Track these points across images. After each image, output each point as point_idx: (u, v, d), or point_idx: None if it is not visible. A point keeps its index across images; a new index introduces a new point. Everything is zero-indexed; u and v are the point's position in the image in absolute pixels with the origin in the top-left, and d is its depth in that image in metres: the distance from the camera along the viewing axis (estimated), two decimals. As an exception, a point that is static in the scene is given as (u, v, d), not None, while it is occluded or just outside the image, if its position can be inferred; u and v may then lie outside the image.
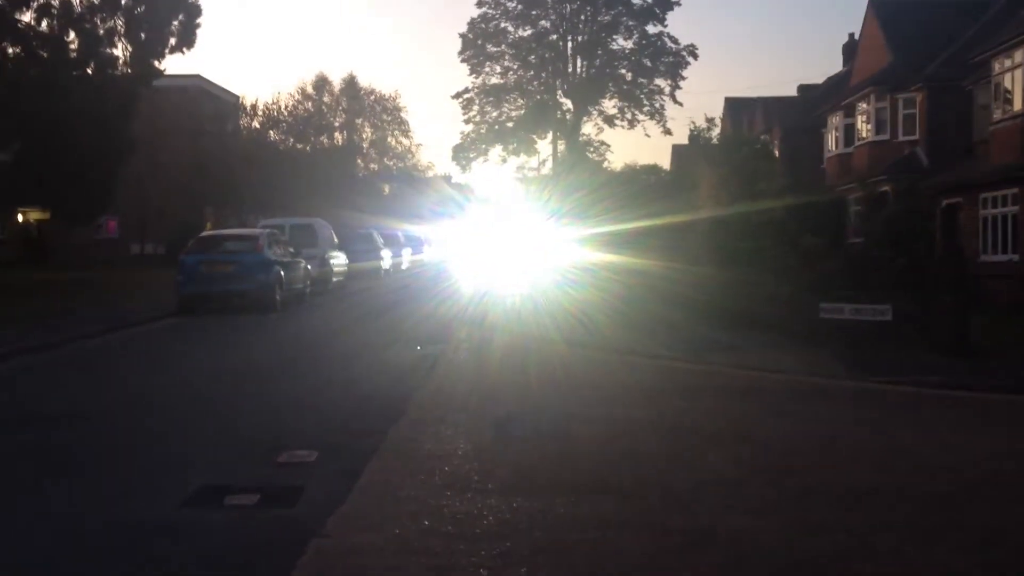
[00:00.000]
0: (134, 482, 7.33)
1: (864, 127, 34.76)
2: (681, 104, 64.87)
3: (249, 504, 6.61)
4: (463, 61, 61.82)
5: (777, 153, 41.19)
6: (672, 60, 60.30)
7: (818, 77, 50.73)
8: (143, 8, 30.65)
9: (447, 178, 78.67)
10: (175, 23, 31.81)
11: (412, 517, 6.28)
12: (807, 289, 18.07)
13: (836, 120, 37.70)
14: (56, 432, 9.08)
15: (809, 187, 35.06)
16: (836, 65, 48.74)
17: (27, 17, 28.50)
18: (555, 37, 61.54)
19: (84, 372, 13.75)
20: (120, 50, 31.06)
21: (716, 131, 39.46)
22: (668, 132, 62.64)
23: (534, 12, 60.85)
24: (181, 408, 10.45)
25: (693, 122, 55.96)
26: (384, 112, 76.63)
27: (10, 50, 28.20)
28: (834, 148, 38.09)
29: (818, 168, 39.47)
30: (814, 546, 5.84)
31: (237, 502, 6.64)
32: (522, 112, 62.01)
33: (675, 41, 60.19)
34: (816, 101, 43.77)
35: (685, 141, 48.56)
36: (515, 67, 62.01)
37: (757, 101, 49.14)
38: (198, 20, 32.12)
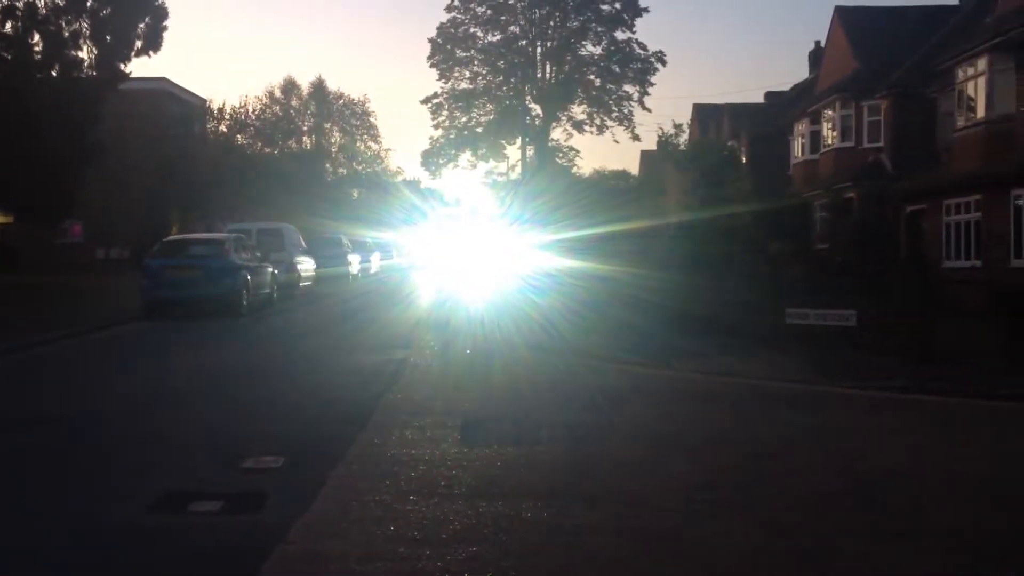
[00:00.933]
0: (95, 488, 7.23)
1: (830, 134, 35.09)
2: (649, 110, 65.42)
3: (213, 510, 6.54)
4: (432, 66, 61.84)
5: (744, 159, 41.52)
6: (640, 66, 60.61)
7: (785, 84, 51.29)
8: (109, 10, 30.36)
9: (415, 183, 78.51)
10: (141, 26, 31.55)
11: (378, 522, 6.25)
12: (773, 295, 18.19)
13: (802, 127, 38.03)
14: (15, 438, 8.95)
15: (776, 193, 35.34)
16: (803, 72, 49.16)
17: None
18: (524, 43, 61.68)
19: (45, 377, 13.58)
20: (85, 52, 30.77)
21: (684, 137, 39.73)
22: (637, 138, 63.08)
23: (503, 17, 60.96)
24: (144, 413, 10.33)
25: (661, 128, 56.12)
26: (353, 116, 76.40)
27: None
28: (800, 155, 38.42)
29: (785, 174, 39.79)
30: (780, 549, 5.86)
31: (201, 508, 6.57)
32: (491, 117, 62.08)
33: (643, 47, 60.55)
34: (783, 108, 44.16)
35: (654, 147, 48.85)
36: (484, 72, 62.06)
37: (724, 107, 49.50)
38: (165, 23, 31.88)
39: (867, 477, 7.68)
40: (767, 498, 7.00)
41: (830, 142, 34.99)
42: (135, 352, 16.58)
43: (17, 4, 28.58)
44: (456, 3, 60.53)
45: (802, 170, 37.94)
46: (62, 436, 9.09)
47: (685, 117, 59.24)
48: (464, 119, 62.52)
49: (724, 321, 17.06)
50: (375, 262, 45.96)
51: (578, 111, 62.02)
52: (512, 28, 61.38)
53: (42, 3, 29.41)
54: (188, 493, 6.89)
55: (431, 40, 61.41)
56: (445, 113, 62.44)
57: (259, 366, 14.21)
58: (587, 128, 61.84)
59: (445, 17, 61.09)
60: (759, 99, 51.52)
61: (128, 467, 7.84)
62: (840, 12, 36.67)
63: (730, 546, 5.91)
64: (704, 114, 52.74)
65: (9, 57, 28.25)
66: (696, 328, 16.91)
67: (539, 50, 61.71)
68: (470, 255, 39.30)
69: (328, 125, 75.26)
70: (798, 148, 38.90)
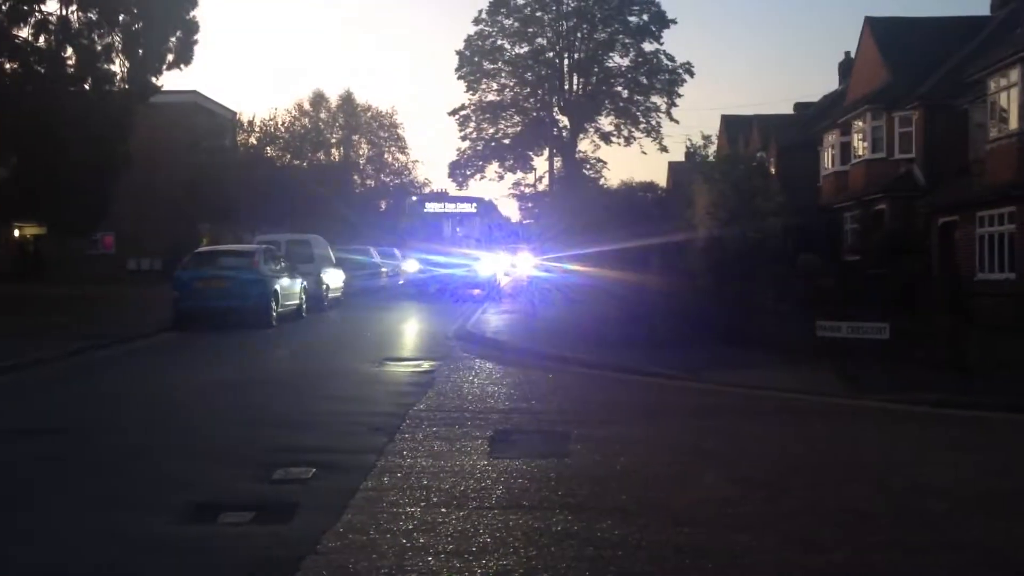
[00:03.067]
0: (128, 499, 7.28)
1: (860, 145, 34.86)
2: (677, 121, 65.40)
3: (243, 521, 6.56)
4: (460, 78, 62.10)
5: (773, 170, 41.31)
6: (668, 78, 60.64)
7: (814, 95, 50.91)
8: (141, 24, 30.64)
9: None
10: (173, 39, 31.80)
11: (407, 534, 6.25)
12: (803, 306, 18.05)
13: (832, 138, 37.81)
14: (46, 448, 9.02)
15: (806, 205, 35.13)
16: (832, 83, 48.90)
17: (25, 33, 28.52)
18: (551, 55, 61.83)
19: (75, 387, 13.69)
20: (117, 66, 31.06)
21: (712, 148, 39.60)
22: (664, 149, 62.93)
23: (531, 30, 61.17)
24: (175, 424, 10.40)
25: (689, 139, 55.93)
26: (381, 128, 76.67)
27: (7, 66, 28.21)
28: (830, 166, 38.19)
29: (814, 185, 39.56)
30: (813, 564, 5.81)
31: (231, 519, 6.59)
32: (518, 129, 62.25)
33: (671, 59, 60.58)
34: (812, 119, 43.92)
35: (682, 158, 48.72)
36: (512, 84, 62.29)
37: (753, 119, 49.31)
38: (196, 36, 32.13)
39: (901, 491, 7.60)
40: (799, 512, 6.95)
41: (860, 153, 34.76)
42: (164, 363, 16.69)
43: (51, 18, 28.90)
44: (484, 16, 60.85)
45: (832, 181, 37.71)
46: (90, 446, 9.17)
47: (713, 128, 59.12)
48: (491, 130, 62.75)
49: (755, 333, 16.95)
50: (404, 273, 46.03)
51: (605, 122, 62.13)
52: (539, 40, 61.60)
53: (75, 17, 29.72)
54: (219, 504, 6.92)
55: (459, 52, 61.73)
56: (472, 124, 62.71)
57: (288, 377, 14.27)
58: (614, 139, 61.92)
59: (473, 30, 61.37)
60: (788, 110, 51.32)
61: (158, 477, 7.89)
62: (871, 23, 36.48)
63: (762, 561, 5.86)
64: (732, 125, 52.56)
65: (42, 71, 28.57)
66: (727, 340, 16.82)
67: (566, 62, 61.85)
68: (503, 266, 39.29)
69: (356, 137, 75.60)
70: (828, 159, 38.68)
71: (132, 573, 5.73)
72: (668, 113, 60.85)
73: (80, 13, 29.09)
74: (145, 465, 8.38)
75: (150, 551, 6.04)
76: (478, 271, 33.33)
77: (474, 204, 36.20)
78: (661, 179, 68.03)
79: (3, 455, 8.82)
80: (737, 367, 14.65)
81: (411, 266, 33.90)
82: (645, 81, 60.84)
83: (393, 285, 36.97)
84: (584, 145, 62.59)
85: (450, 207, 35.36)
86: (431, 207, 35.26)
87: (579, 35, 61.17)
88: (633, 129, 61.38)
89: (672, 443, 9.47)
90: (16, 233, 47.09)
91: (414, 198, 38.63)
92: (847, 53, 45.26)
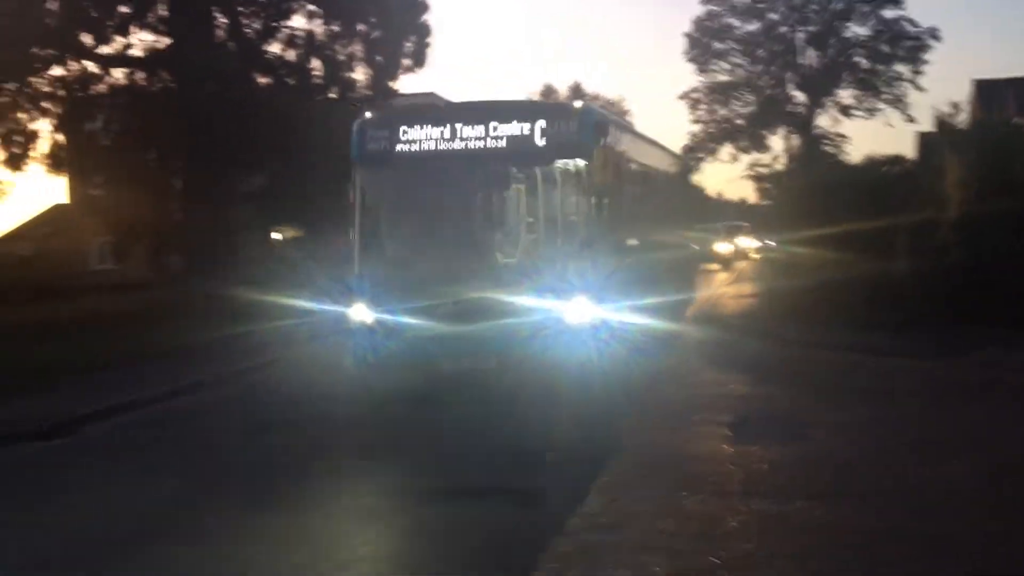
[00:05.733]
0: (369, 484, 7.77)
1: None
2: (924, 90, 61.61)
3: (492, 505, 6.94)
4: (689, 60, 61.29)
5: (1032, 137, 38.42)
6: (912, 44, 57.40)
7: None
8: (379, 33, 32.21)
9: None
10: (408, 44, 33.23)
11: (651, 518, 6.41)
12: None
13: (1100, 97, 34.79)
14: (289, 438, 9.73)
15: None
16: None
17: (275, 48, 30.64)
18: (784, 29, 60.00)
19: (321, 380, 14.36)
20: (359, 74, 32.79)
21: (963, 116, 37.29)
22: (911, 120, 59.60)
23: (761, 5, 59.59)
24: (421, 412, 10.58)
25: (938, 108, 53.02)
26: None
27: (261, 80, 30.36)
28: (1098, 128, 35.15)
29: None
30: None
31: (479, 503, 6.99)
32: (752, 108, 60.83)
33: (914, 24, 57.32)
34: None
35: (930, 128, 46.16)
36: (743, 63, 60.93)
37: (1008, 83, 45.95)
38: (428, 40, 33.44)
39: None
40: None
41: None
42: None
43: (298, 33, 30.91)
44: (713, -5, 59.75)
45: (1102, 145, 34.69)
46: (342, 436, 9.74)
47: (963, 95, 55.53)
48: (724, 112, 61.64)
49: (1012, 314, 15.83)
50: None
51: (845, 95, 59.61)
52: (771, 15, 59.89)
53: (320, 31, 31.66)
54: (467, 489, 7.36)
55: (687, 35, 60.91)
56: (704, 107, 61.81)
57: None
58: (855, 112, 59.31)
59: (701, 10, 60.44)
60: (1049, 71, 47.49)
61: (407, 465, 8.38)
62: None
63: (1013, 552, 5.64)
64: (986, 91, 49.10)
65: (292, 83, 30.57)
66: (978, 321, 15.81)
67: (800, 36, 59.84)
68: (740, 247, 38.52)
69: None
70: (1096, 121, 35.63)
71: (384, 554, 6.29)
72: (913, 82, 57.64)
73: (325, 26, 30.94)
74: (391, 451, 8.91)
75: (405, 532, 6.56)
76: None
77: (549, 119, 11.25)
78: (908, 152, 64.75)
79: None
80: (986, 348, 13.80)
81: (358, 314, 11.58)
82: (887, 50, 57.89)
83: None
84: (822, 121, 60.34)
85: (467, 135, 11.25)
86: (407, 134, 11.46)
87: (813, 7, 59.01)
88: (875, 101, 58.58)
89: (916, 427, 9.15)
90: (275, 236, 50.49)
91: (368, 114, 12.27)
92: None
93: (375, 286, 11.08)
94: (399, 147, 11.23)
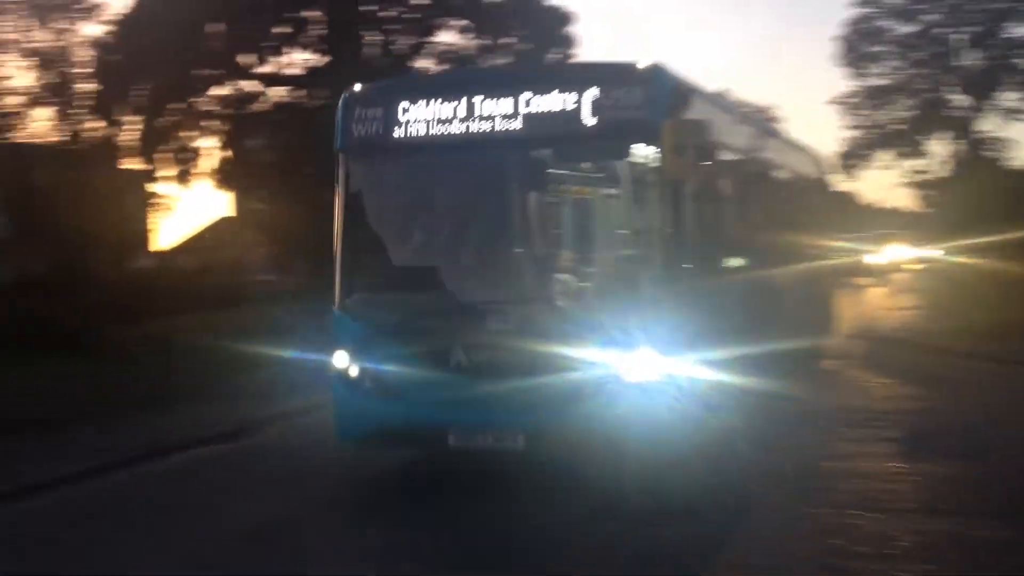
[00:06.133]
0: (525, 503, 7.53)
1: None
2: (1091, 91, 58.37)
3: (652, 523, 6.68)
4: (843, 65, 59.75)
5: None
6: (1079, 44, 54.55)
7: None
8: (525, 45, 32.68)
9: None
10: (553, 55, 33.59)
11: (819, 536, 6.25)
12: None
13: None
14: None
15: None
16: None
17: (428, 63, 31.42)
18: (942, 30, 57.89)
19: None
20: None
21: None
22: (1080, 123, 56.56)
23: (918, 6, 57.68)
24: None
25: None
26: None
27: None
28: None
29: None
30: None
31: (639, 521, 6.74)
32: (908, 112, 58.89)
33: (1081, 24, 54.37)
34: None
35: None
36: (899, 66, 59.05)
37: None
38: (572, 51, 33.67)
39: None
40: None
41: None
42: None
43: (451, 48, 31.70)
44: (867, -3, 58.13)
45: None
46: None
47: None
48: (879, 116, 59.86)
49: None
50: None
51: (1010, 98, 57.07)
52: (927, 16, 57.89)
53: (469, 44, 32.35)
54: (621, 507, 7.04)
55: (840, 38, 59.44)
56: (858, 112, 60.15)
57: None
58: (1020, 116, 56.70)
59: (854, 13, 58.86)
60: None
61: (561, 484, 7.87)
62: None
63: None
64: None
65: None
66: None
67: (959, 37, 57.60)
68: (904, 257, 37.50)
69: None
70: None
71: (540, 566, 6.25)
72: (1085, 82, 54.67)
73: (475, 40, 31.59)
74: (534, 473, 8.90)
75: (555, 546, 6.48)
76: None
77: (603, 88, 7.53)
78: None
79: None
80: None
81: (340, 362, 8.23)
82: (1050, 51, 55.18)
83: None
84: (985, 124, 57.93)
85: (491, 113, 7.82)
86: (408, 112, 8.09)
87: (973, 7, 56.74)
88: (1040, 103, 55.85)
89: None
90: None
91: (357, 87, 8.46)
92: None
93: (361, 325, 8.07)
94: (396, 132, 7.96)
